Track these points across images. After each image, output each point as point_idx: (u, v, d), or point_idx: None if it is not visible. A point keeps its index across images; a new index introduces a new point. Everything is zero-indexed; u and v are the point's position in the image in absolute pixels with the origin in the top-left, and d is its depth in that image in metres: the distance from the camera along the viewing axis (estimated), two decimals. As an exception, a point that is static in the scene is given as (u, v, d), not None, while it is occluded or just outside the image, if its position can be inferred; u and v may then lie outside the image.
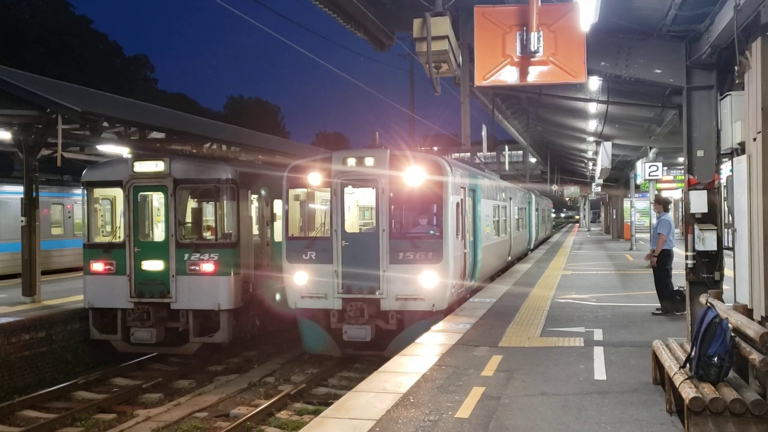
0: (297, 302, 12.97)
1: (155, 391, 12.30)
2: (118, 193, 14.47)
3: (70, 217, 23.00)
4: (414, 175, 12.56)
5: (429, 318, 12.20)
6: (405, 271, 12.44)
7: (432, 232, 12.91)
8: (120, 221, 14.61)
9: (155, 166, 13.89)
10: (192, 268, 13.59)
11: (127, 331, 13.69)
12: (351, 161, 12.85)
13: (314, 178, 12.95)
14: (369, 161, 12.76)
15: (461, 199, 13.66)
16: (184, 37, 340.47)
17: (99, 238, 14.64)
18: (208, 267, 13.55)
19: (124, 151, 15.81)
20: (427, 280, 12.36)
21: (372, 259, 12.55)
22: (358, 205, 16.81)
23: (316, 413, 9.27)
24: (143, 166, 13.94)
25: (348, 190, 13.87)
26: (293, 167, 13.28)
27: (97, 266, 13.98)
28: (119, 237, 14.39)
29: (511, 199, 22.96)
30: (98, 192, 14.74)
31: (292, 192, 13.57)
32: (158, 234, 14.69)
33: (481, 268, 15.83)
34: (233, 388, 12.13)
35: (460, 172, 13.96)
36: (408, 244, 12.56)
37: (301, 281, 12.83)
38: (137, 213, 14.03)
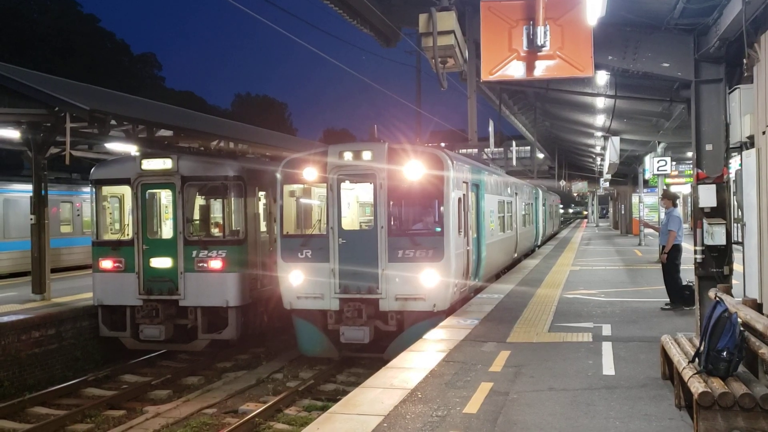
0: (292, 303, 12.57)
1: (164, 387, 12.35)
2: (126, 190, 14.52)
3: (78, 215, 23.10)
4: (413, 169, 12.12)
5: (430, 319, 11.78)
6: (405, 269, 12.02)
7: (435, 228, 12.50)
8: (128, 219, 14.66)
9: (163, 163, 13.92)
10: (200, 265, 13.62)
11: (136, 328, 13.74)
12: (348, 155, 12.40)
13: (310, 173, 12.54)
14: (366, 155, 12.34)
15: (464, 194, 13.25)
16: (192, 35, 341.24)
17: (108, 236, 14.69)
18: (216, 264, 13.58)
19: (132, 149, 15.86)
20: (428, 279, 11.93)
21: (370, 258, 12.11)
22: (359, 202, 16.34)
23: (324, 409, 9.29)
24: (151, 164, 13.98)
25: (348, 185, 13.53)
26: (288, 162, 12.87)
27: (106, 264, 14.03)
28: (128, 235, 14.44)
29: (517, 194, 22.58)
30: (107, 190, 14.78)
31: (287, 188, 13.15)
32: (166, 231, 14.74)
33: (485, 266, 15.42)
34: (242, 385, 12.17)
35: (462, 166, 13.51)
36: (408, 241, 12.15)
37: (296, 281, 12.43)
38: (145, 210, 14.07)
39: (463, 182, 13.34)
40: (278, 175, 12.91)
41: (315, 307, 12.43)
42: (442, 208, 12.38)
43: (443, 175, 12.17)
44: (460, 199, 12.83)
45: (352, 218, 15.82)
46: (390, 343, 12.10)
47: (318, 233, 13.18)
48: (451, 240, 12.13)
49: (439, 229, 12.29)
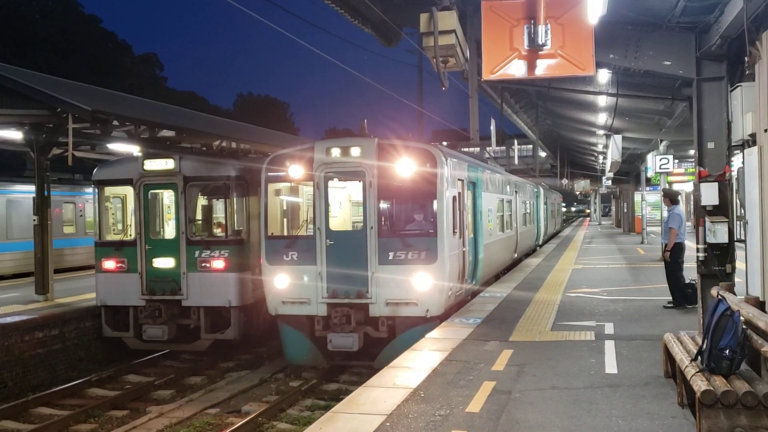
0: (277, 308, 12.06)
1: (167, 387, 12.38)
2: (128, 191, 14.54)
3: (81, 215, 23.16)
4: (405, 166, 11.51)
5: (423, 325, 11.20)
6: (396, 272, 11.41)
7: (428, 229, 11.82)
8: (131, 219, 14.70)
9: (165, 164, 13.95)
10: (203, 265, 13.63)
11: (139, 328, 13.78)
12: (335, 151, 11.80)
13: (295, 170, 11.95)
14: (355, 151, 11.73)
15: (459, 193, 12.62)
16: (193, 35, 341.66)
17: (110, 237, 14.71)
18: (218, 264, 13.59)
19: (134, 150, 15.89)
20: (421, 283, 11.34)
21: (359, 260, 11.55)
22: (351, 201, 15.72)
23: (326, 409, 9.29)
24: (153, 164, 14.00)
25: (338, 184, 13.10)
26: (273, 159, 12.33)
27: (109, 264, 14.06)
28: (130, 235, 14.48)
29: (517, 192, 22.11)
30: (109, 190, 14.81)
31: (272, 186, 12.55)
32: (169, 231, 14.76)
33: (483, 268, 14.82)
34: (244, 385, 12.20)
35: (456, 163, 12.88)
36: (399, 242, 11.54)
37: (281, 285, 11.91)
38: (148, 211, 14.09)
39: (459, 180, 12.77)
40: (262, 173, 12.44)
41: (301, 312, 11.89)
42: (435, 208, 11.77)
43: (436, 172, 11.58)
44: (454, 198, 12.28)
45: (344, 218, 15.40)
46: (381, 350, 11.59)
47: (304, 234, 12.67)
48: (445, 241, 11.53)
49: (432, 230, 11.66)
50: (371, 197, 11.71)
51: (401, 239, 11.66)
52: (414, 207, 12.45)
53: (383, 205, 12.18)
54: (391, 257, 11.50)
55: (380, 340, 11.70)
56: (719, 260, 9.10)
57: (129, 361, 13.97)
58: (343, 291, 11.66)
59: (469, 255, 13.56)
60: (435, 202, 11.73)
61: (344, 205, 15.67)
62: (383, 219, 12.14)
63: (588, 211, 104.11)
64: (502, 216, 18.71)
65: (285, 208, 13.67)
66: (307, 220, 13.35)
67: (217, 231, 14.86)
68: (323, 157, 11.87)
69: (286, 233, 13.11)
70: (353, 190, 14.72)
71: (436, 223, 11.63)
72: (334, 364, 12.24)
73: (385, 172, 11.66)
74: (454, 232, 12.10)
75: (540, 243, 31.52)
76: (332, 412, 6.76)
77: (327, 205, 12.02)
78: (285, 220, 13.58)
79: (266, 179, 12.41)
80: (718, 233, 8.97)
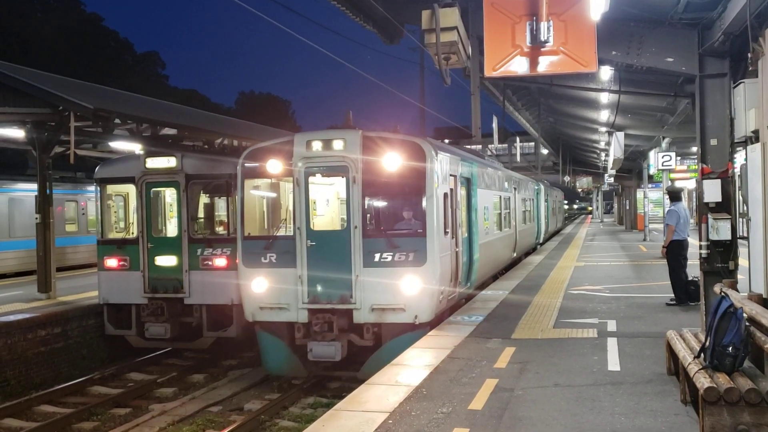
0: (255, 314, 11.28)
1: (170, 385, 12.40)
2: (130, 189, 14.54)
3: (83, 213, 23.18)
4: (391, 160, 10.71)
5: (411, 332, 10.46)
6: (382, 275, 10.62)
7: (416, 228, 11.00)
8: (133, 217, 14.69)
9: (167, 162, 13.94)
10: (205, 263, 13.62)
11: (142, 326, 13.78)
12: (316, 144, 10.98)
13: (274, 165, 11.12)
14: (338, 144, 10.90)
15: (451, 189, 11.86)
16: (195, 33, 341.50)
17: (112, 235, 14.72)
18: (220, 262, 13.58)
19: (136, 148, 15.89)
20: (409, 286, 10.53)
21: (343, 262, 10.76)
22: (339, 198, 14.51)
23: (329, 406, 9.30)
24: (155, 163, 14.00)
25: (327, 180, 12.64)
26: (250, 153, 11.53)
27: (111, 262, 14.06)
28: (132, 233, 14.47)
29: (516, 189, 21.61)
30: (111, 188, 14.80)
31: (249, 183, 11.76)
32: (171, 229, 14.76)
33: (478, 269, 14.09)
34: (247, 382, 12.21)
35: (448, 157, 12.01)
36: (385, 243, 10.72)
37: (259, 289, 11.13)
38: (150, 209, 14.08)
39: (451, 175, 12.01)
40: (238, 168, 11.68)
41: (280, 319, 11.11)
42: (424, 205, 10.86)
43: (425, 166, 10.73)
44: (446, 195, 11.49)
45: (332, 217, 14.82)
46: (366, 359, 10.86)
47: (284, 234, 11.72)
48: (435, 241, 10.70)
49: (420, 229, 10.81)
50: (355, 194, 10.90)
51: (388, 239, 10.82)
52: (401, 204, 11.63)
53: (368, 203, 11.36)
54: (376, 259, 10.72)
55: (365, 349, 10.96)
56: (722, 257, 9.08)
57: (131, 359, 13.99)
58: (325, 296, 10.87)
59: (463, 255, 12.81)
60: (424, 199, 10.87)
61: (332, 203, 15.01)
62: (368, 217, 11.32)
63: (590, 208, 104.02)
64: (500, 214, 18.14)
65: (265, 206, 12.99)
66: (287, 219, 12.30)
67: (219, 229, 14.85)
68: (303, 151, 11.06)
69: (266, 233, 12.27)
70: (341, 187, 13.68)
71: (425, 221, 10.80)
72: (316, 374, 11.58)
73: (371, 166, 10.83)
74: (445, 232, 11.37)
75: (541, 241, 31.39)
76: (334, 409, 6.77)
77: (308, 202, 11.25)
78: (265, 219, 12.90)
79: (243, 174, 11.57)
80: (721, 230, 8.96)
